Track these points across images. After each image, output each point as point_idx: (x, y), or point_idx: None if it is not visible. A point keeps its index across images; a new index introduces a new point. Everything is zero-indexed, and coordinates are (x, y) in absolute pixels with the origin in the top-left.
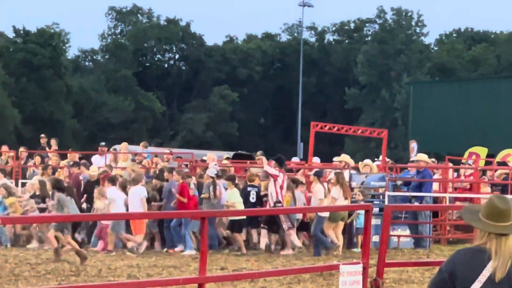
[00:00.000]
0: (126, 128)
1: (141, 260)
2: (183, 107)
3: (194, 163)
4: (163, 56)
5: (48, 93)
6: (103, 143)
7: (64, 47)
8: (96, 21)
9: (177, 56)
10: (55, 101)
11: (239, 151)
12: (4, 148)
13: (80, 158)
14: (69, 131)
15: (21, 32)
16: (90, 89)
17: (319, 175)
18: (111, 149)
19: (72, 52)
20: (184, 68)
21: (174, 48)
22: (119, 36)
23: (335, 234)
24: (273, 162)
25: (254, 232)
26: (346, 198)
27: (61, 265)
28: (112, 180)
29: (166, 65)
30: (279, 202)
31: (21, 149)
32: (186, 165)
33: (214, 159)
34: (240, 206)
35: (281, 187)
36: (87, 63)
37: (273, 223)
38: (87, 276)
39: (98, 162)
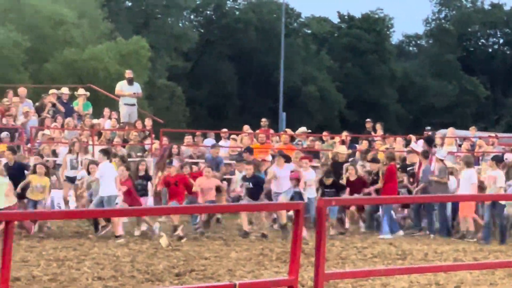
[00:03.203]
0: (450, 113)
1: (467, 244)
2: (508, 91)
3: None
4: (487, 41)
5: (372, 78)
6: (429, 128)
7: (388, 32)
8: (420, 6)
9: (501, 41)
10: (379, 85)
11: None
12: (325, 133)
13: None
14: (393, 115)
15: (346, 17)
16: (414, 73)
17: (499, 160)
18: (437, 133)
19: (396, 37)
20: (508, 52)
21: (498, 33)
22: (443, 21)
23: None
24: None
25: None
26: None
27: (388, 249)
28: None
29: (490, 50)
30: None
31: (344, 133)
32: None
33: None
34: None
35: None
36: (411, 48)
37: None
38: (413, 260)
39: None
